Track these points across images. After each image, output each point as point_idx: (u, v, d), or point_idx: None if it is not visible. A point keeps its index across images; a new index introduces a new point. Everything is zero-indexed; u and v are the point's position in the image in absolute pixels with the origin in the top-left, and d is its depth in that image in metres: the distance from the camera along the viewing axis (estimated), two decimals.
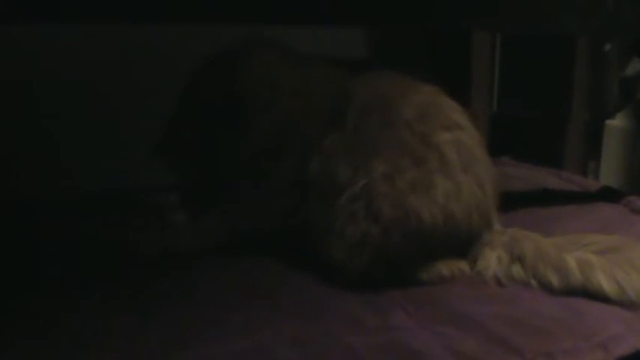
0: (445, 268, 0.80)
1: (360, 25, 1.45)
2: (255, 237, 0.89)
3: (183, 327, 0.69)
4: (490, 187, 0.84)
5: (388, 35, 1.51)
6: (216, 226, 0.93)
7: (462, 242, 0.82)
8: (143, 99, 1.32)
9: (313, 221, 0.86)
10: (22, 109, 1.30)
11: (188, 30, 1.18)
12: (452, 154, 0.81)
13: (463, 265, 0.82)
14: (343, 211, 0.81)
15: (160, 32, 1.24)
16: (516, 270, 0.79)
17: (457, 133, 0.83)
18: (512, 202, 0.98)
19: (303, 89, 0.92)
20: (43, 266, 0.86)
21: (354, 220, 0.80)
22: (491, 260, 0.81)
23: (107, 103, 1.35)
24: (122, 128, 1.36)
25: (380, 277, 0.79)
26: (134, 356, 0.63)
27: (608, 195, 1.16)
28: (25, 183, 1.26)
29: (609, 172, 1.68)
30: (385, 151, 0.81)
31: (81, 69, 1.32)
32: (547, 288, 0.76)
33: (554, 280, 0.76)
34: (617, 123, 1.69)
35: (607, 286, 0.73)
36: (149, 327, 0.69)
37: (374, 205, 0.78)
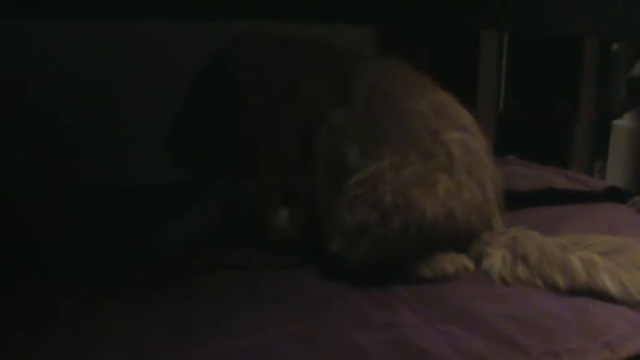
0: (450, 265, 0.80)
1: (368, 24, 1.45)
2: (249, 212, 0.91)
3: (189, 324, 0.69)
4: (492, 191, 0.84)
5: (396, 35, 1.51)
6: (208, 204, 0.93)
7: (462, 241, 0.83)
8: (149, 96, 1.32)
9: (319, 203, 0.86)
10: (30, 107, 1.31)
11: (195, 26, 1.18)
12: (458, 154, 0.82)
13: (467, 263, 0.82)
14: (346, 195, 0.81)
15: (165, 29, 1.24)
16: (521, 269, 0.79)
17: (466, 136, 0.84)
18: (518, 201, 0.98)
19: (299, 70, 0.94)
20: (47, 263, 0.87)
21: (354, 206, 0.80)
22: (496, 259, 0.81)
23: (113, 100, 1.35)
24: (127, 125, 1.36)
25: (379, 270, 0.79)
26: (139, 353, 0.63)
27: (615, 195, 1.16)
28: (27, 180, 1.27)
29: (616, 172, 1.68)
30: (396, 139, 0.82)
31: (84, 66, 1.32)
32: (553, 288, 0.76)
33: (560, 281, 0.76)
34: (624, 123, 1.69)
35: (612, 287, 0.73)
36: (154, 324, 0.69)
37: (376, 192, 0.79)
